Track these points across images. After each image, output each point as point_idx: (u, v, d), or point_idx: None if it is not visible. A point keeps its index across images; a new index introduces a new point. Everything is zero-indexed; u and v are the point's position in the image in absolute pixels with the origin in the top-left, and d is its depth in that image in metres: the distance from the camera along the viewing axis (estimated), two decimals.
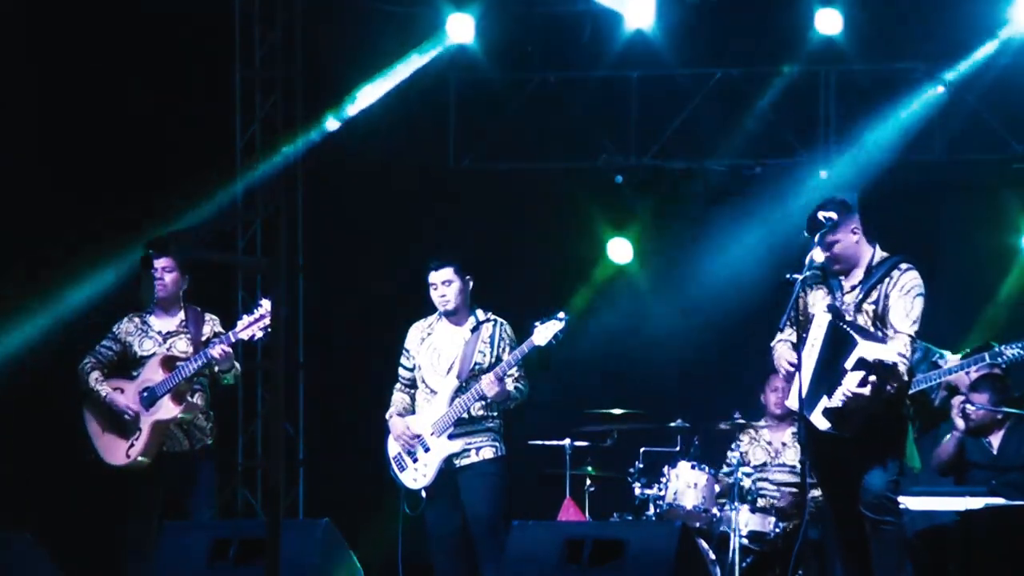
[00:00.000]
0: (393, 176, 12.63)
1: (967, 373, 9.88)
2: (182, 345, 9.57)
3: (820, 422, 8.11)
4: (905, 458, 8.47)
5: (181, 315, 9.65)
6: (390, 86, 12.24)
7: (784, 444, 10.81)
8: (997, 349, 9.60)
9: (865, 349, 7.97)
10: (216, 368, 9.44)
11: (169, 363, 9.43)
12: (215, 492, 9.74)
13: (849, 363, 7.97)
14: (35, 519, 9.41)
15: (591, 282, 12.70)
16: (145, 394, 9.42)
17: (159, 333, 9.58)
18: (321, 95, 12.35)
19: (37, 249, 10.92)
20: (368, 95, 12.26)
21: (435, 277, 9.28)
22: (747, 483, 10.18)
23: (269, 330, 9.21)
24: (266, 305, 9.37)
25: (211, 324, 9.67)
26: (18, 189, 10.75)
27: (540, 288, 11.75)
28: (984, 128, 11.90)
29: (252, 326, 9.30)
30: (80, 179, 11.12)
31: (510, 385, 9.14)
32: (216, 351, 9.27)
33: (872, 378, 7.94)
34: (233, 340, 9.34)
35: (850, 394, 7.99)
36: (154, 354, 9.50)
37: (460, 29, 12.24)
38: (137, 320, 9.64)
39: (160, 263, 9.58)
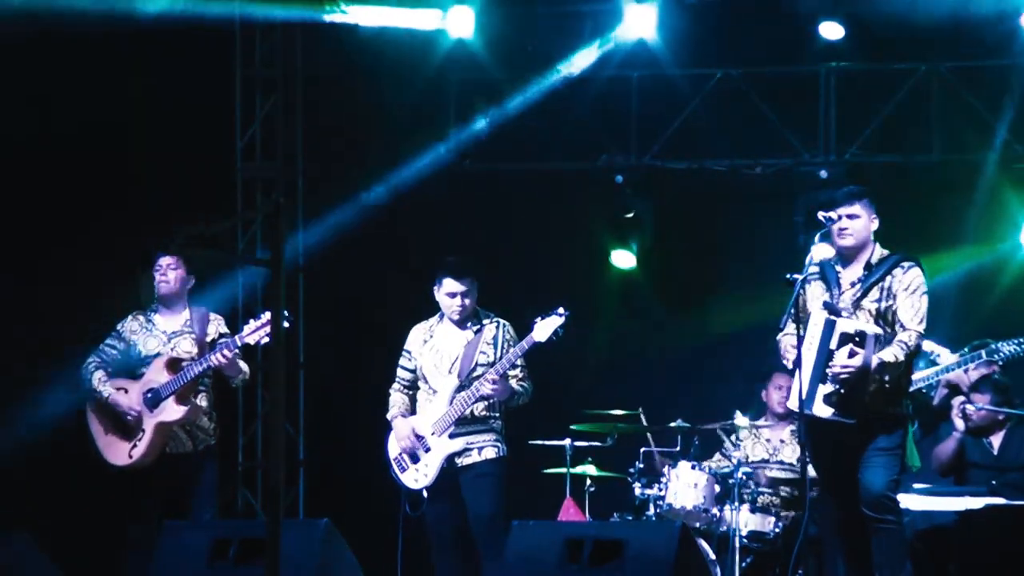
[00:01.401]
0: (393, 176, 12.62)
1: (966, 371, 9.91)
2: (186, 345, 9.55)
3: (822, 410, 8.14)
4: (905, 455, 8.50)
5: (186, 314, 9.64)
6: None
7: (782, 441, 10.82)
8: (994, 346, 9.66)
9: (844, 324, 8.09)
10: (224, 373, 9.44)
11: (174, 365, 9.42)
12: (216, 492, 9.73)
13: (834, 343, 8.09)
14: (35, 519, 9.41)
15: (591, 282, 12.68)
16: (149, 395, 9.41)
17: (164, 332, 9.57)
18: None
19: (37, 250, 10.93)
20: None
21: (456, 286, 9.22)
22: (748, 482, 10.20)
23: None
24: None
25: (216, 324, 9.66)
26: (17, 190, 10.75)
27: (541, 288, 11.72)
28: (984, 128, 11.90)
29: (259, 331, 9.27)
30: (80, 180, 11.11)
31: (515, 384, 9.14)
32: (218, 356, 9.26)
33: (859, 349, 7.98)
34: (240, 344, 9.33)
35: (841, 368, 8.02)
36: (159, 353, 9.49)
37: (460, 22, 12.23)
38: (141, 318, 9.63)
39: (165, 261, 9.57)
